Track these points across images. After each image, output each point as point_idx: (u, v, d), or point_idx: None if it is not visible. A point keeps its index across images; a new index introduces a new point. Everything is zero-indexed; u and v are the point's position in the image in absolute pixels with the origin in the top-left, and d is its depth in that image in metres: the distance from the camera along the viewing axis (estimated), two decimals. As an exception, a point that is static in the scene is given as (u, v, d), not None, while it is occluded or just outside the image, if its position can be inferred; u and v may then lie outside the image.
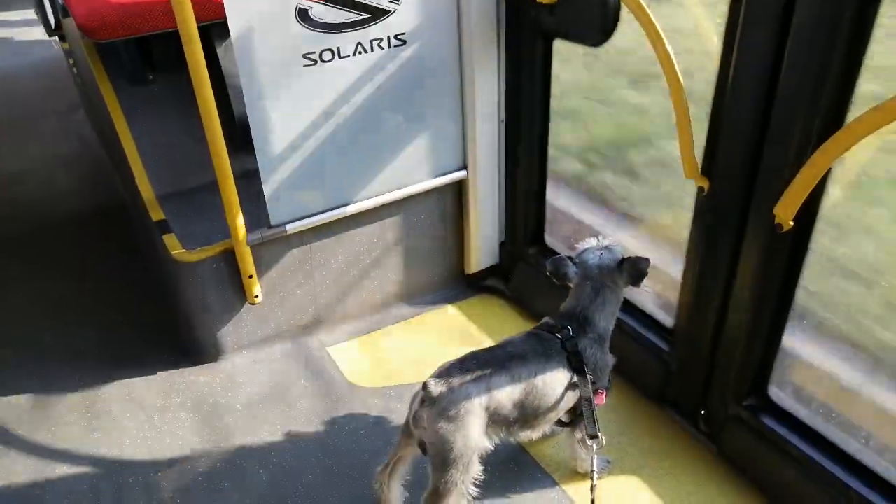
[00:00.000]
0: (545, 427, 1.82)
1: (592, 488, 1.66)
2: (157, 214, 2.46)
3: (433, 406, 1.63)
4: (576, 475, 1.98)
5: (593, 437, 1.73)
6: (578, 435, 1.86)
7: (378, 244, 2.55)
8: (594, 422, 1.74)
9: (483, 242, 2.69)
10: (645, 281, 1.80)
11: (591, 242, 1.85)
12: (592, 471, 1.69)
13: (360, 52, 2.16)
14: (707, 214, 1.83)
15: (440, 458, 1.65)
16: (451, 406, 1.62)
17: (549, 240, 2.60)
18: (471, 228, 2.64)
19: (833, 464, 1.71)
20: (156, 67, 2.95)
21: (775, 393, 1.88)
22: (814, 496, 1.76)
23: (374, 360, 2.48)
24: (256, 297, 2.34)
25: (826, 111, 1.49)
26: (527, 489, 1.96)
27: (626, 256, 1.80)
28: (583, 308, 1.80)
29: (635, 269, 1.78)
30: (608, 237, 1.87)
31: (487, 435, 1.68)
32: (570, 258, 1.85)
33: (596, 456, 1.72)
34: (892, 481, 1.65)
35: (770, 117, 1.59)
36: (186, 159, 2.69)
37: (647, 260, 1.78)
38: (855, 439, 1.80)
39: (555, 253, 2.24)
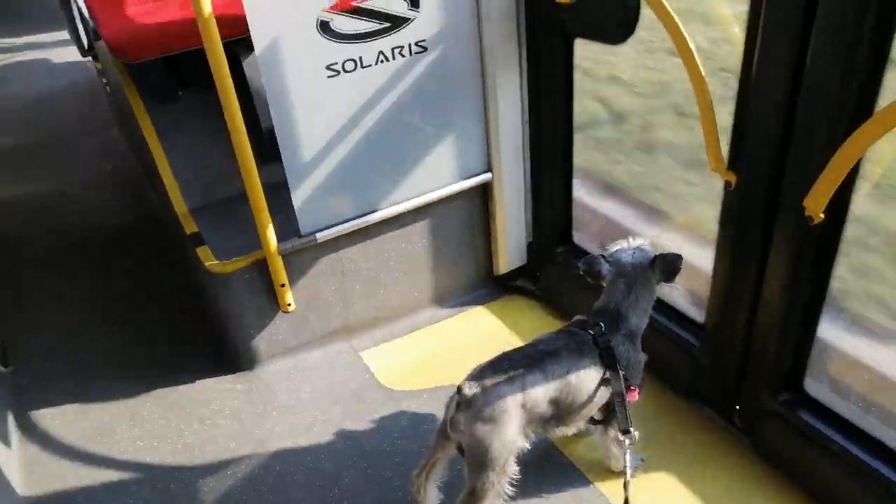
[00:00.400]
0: (580, 423, 1.82)
1: (626, 485, 1.66)
2: (190, 227, 2.52)
3: (469, 409, 1.64)
4: (610, 474, 1.97)
5: (626, 432, 1.72)
6: (612, 433, 1.86)
7: (407, 249, 2.57)
8: (627, 417, 1.73)
9: (511, 243, 2.70)
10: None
11: (623, 244, 1.87)
12: (626, 467, 1.69)
13: (382, 61, 2.18)
14: (735, 208, 1.81)
15: (477, 460, 1.66)
16: (487, 407, 1.63)
17: (578, 238, 2.59)
18: (498, 230, 2.65)
19: (874, 459, 1.68)
20: (185, 84, 3.02)
21: (812, 387, 1.85)
22: (855, 492, 1.73)
23: (406, 363, 2.50)
24: (289, 305, 2.38)
25: (855, 99, 1.47)
26: (561, 488, 1.96)
27: (658, 253, 1.81)
28: (616, 304, 1.80)
29: (668, 266, 1.79)
30: (639, 237, 1.88)
31: (524, 434, 1.70)
32: (603, 256, 1.86)
33: (629, 453, 1.71)
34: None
35: (797, 107, 1.57)
36: (217, 172, 2.75)
37: (679, 256, 1.79)
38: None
39: (583, 252, 2.24)
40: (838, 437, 1.74)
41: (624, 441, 1.72)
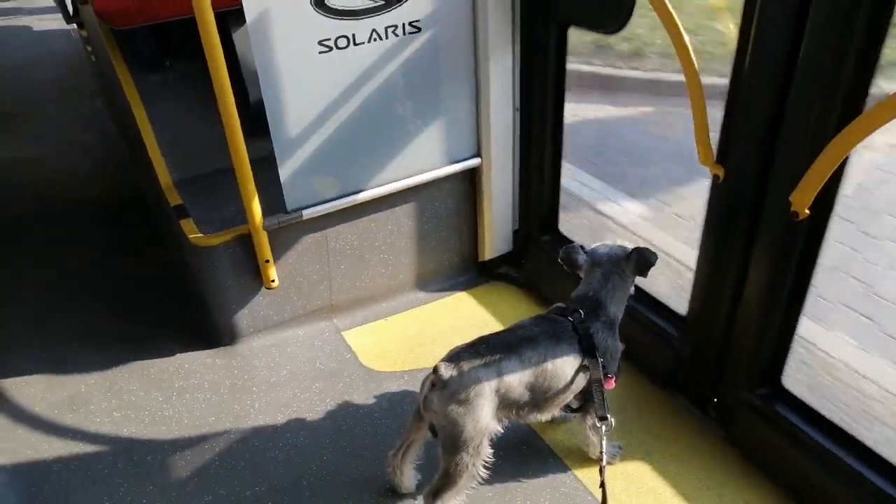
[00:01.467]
0: (555, 410, 1.84)
1: (601, 470, 1.67)
2: (174, 199, 2.49)
3: (443, 389, 1.65)
4: (588, 460, 1.99)
5: (603, 419, 1.75)
6: (589, 421, 1.88)
7: (393, 230, 2.56)
8: (604, 404, 1.75)
9: (497, 230, 2.70)
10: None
11: (607, 242, 1.91)
12: (602, 453, 1.71)
13: (374, 39, 2.16)
14: (722, 202, 1.82)
15: (450, 441, 1.67)
16: (462, 389, 1.64)
17: (563, 228, 2.60)
18: (484, 216, 2.65)
19: (847, 453, 1.71)
20: (172, 53, 2.97)
21: (789, 381, 1.88)
22: (827, 485, 1.75)
23: (387, 344, 2.50)
24: (273, 281, 2.37)
25: (844, 98, 1.48)
26: (539, 473, 1.98)
27: (635, 247, 1.83)
28: (595, 292, 1.83)
29: (643, 259, 1.82)
30: (621, 240, 1.92)
31: (497, 418, 1.71)
32: (582, 247, 1.89)
33: (607, 441, 1.73)
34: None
35: (787, 104, 1.58)
36: (203, 144, 2.71)
37: (654, 253, 1.81)
38: (870, 429, 1.79)
39: (568, 241, 2.25)
40: (813, 432, 1.77)
41: (601, 428, 1.74)
